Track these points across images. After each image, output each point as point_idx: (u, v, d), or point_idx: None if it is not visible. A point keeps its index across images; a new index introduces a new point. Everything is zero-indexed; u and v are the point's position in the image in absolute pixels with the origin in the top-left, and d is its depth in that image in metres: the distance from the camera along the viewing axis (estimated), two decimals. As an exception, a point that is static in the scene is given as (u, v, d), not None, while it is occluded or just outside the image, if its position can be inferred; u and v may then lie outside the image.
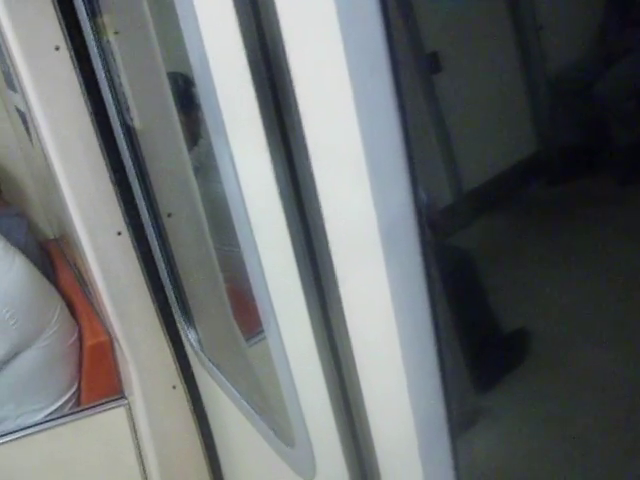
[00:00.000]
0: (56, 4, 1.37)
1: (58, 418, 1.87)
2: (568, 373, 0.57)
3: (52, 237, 2.85)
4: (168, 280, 1.61)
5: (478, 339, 0.64)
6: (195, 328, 1.63)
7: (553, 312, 0.56)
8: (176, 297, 1.62)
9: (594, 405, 0.57)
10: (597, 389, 0.56)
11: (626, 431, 0.54)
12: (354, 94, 0.56)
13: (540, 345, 0.58)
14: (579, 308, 0.54)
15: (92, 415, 1.84)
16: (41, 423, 1.86)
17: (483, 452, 0.71)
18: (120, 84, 1.37)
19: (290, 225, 0.77)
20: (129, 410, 1.84)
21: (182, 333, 1.69)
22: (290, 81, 0.65)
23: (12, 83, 1.76)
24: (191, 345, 1.64)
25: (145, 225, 1.57)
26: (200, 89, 0.82)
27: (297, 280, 0.80)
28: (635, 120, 0.44)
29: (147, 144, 1.44)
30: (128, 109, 1.39)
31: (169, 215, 1.53)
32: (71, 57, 1.42)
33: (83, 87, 1.44)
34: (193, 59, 0.81)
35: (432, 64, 0.55)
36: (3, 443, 1.82)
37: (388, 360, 0.69)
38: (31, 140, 1.93)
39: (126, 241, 1.61)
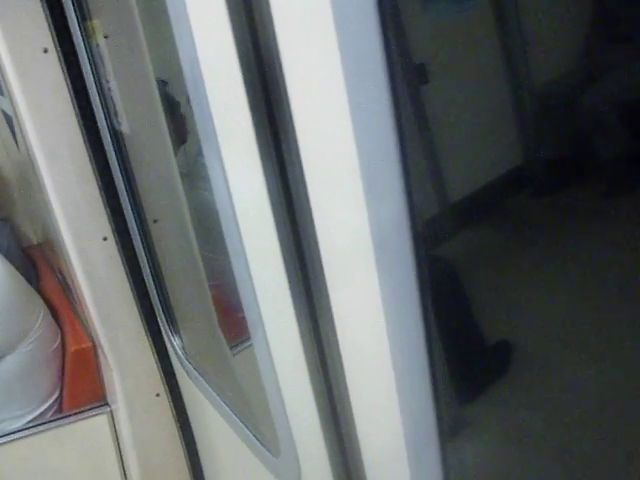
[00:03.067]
0: (45, 6, 1.36)
1: (40, 425, 1.84)
2: (557, 382, 0.58)
3: (35, 242, 2.82)
4: (153, 286, 1.60)
5: (469, 348, 0.64)
6: (180, 335, 1.62)
7: (544, 322, 0.56)
8: (161, 304, 1.61)
9: (582, 414, 0.57)
10: (585, 398, 0.56)
11: (613, 439, 0.54)
12: (349, 102, 0.56)
13: (531, 355, 0.58)
14: (568, 319, 0.54)
15: (74, 422, 1.82)
16: (22, 430, 1.83)
17: (473, 461, 0.71)
18: (109, 88, 1.36)
19: (280, 233, 0.76)
20: (112, 417, 1.82)
21: (167, 340, 1.68)
22: (284, 89, 0.64)
23: (-1, 86, 1.75)
24: (175, 352, 1.63)
25: (131, 231, 1.56)
26: (192, 96, 0.81)
27: (286, 288, 0.80)
28: (620, 133, 0.44)
29: (135, 149, 1.43)
30: (116, 113, 1.38)
31: (155, 221, 1.52)
32: (60, 60, 1.41)
33: (71, 90, 1.43)
34: (185, 66, 0.80)
35: (419, 75, 0.56)
36: (-17, 450, 1.79)
37: (378, 369, 0.69)
38: (17, 143, 1.92)
39: (112, 246, 1.60)
